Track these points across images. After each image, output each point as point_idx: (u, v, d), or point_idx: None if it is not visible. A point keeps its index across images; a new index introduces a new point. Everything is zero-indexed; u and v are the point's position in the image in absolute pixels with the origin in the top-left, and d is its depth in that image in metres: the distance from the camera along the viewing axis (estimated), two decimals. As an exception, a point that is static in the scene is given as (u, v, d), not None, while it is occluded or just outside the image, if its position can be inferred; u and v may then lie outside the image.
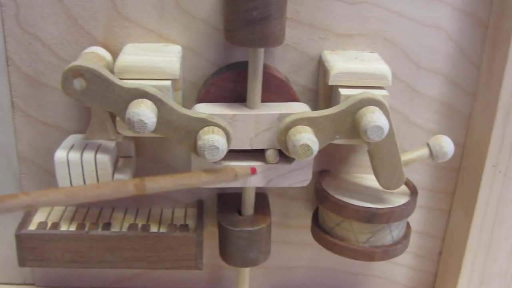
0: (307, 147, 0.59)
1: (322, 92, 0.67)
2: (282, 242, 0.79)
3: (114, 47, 0.66)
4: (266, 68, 0.64)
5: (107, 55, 0.65)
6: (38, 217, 0.70)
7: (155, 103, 0.59)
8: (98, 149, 0.64)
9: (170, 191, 0.62)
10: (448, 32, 0.69)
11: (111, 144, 0.66)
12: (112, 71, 0.63)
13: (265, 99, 0.65)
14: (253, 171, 0.64)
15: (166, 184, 0.59)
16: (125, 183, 0.57)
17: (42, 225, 0.68)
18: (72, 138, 0.67)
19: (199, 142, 0.59)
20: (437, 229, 0.80)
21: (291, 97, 0.65)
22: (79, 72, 0.57)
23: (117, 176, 0.64)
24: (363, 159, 0.74)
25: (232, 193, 0.73)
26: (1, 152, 0.71)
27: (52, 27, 0.65)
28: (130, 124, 0.56)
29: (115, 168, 0.66)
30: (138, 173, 0.72)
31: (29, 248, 0.66)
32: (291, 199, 0.76)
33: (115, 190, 0.56)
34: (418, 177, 0.76)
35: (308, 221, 0.76)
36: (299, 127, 0.61)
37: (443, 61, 0.70)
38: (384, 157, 0.64)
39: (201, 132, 0.60)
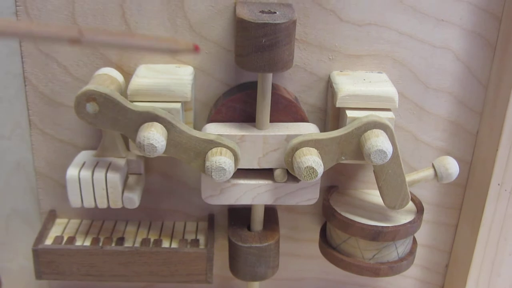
0: (311, 170, 0.60)
1: (331, 112, 0.68)
2: (291, 254, 0.80)
3: (128, 67, 0.68)
4: (275, 89, 0.66)
5: (119, 77, 0.66)
6: (55, 231, 0.73)
7: (165, 126, 0.61)
8: (108, 167, 0.66)
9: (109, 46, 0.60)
10: (457, 52, 0.70)
11: (121, 162, 0.67)
12: (123, 93, 0.65)
13: (274, 119, 0.66)
14: (197, 48, 0.57)
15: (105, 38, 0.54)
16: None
17: (58, 239, 0.71)
18: (83, 155, 0.69)
19: (207, 164, 0.60)
20: (444, 243, 0.81)
21: (299, 117, 0.67)
22: (92, 96, 0.59)
23: (127, 194, 0.66)
24: (371, 175, 0.75)
25: (242, 208, 0.75)
26: (19, 168, 0.73)
27: (68, 48, 0.67)
28: (141, 147, 0.58)
29: (125, 186, 0.68)
30: (148, 189, 0.74)
31: (46, 262, 0.69)
32: (300, 214, 0.78)
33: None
34: (426, 192, 0.77)
35: (316, 235, 0.77)
36: (305, 149, 0.62)
37: (451, 81, 0.71)
38: (389, 178, 0.65)
39: (209, 153, 0.62)
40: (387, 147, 0.60)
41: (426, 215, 0.78)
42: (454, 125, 0.73)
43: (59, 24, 0.53)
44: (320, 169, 0.60)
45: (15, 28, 0.51)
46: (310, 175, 0.60)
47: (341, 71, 0.69)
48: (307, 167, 0.60)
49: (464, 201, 0.78)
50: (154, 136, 0.58)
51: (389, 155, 0.60)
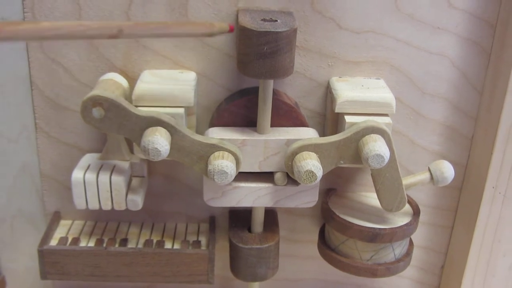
0: (311, 173, 0.62)
1: (330, 117, 0.70)
2: (290, 255, 0.82)
3: (132, 72, 0.70)
4: (276, 95, 0.68)
5: (124, 82, 0.68)
6: (59, 232, 0.75)
7: (169, 130, 0.62)
8: (113, 170, 0.67)
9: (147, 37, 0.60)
10: (452, 59, 0.71)
11: (125, 165, 0.69)
12: (128, 97, 0.67)
13: (275, 123, 0.68)
14: (232, 28, 0.61)
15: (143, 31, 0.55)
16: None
17: (63, 240, 0.72)
18: (88, 158, 0.70)
19: (209, 167, 0.62)
20: (439, 244, 0.83)
21: (299, 122, 0.69)
22: (98, 101, 0.61)
23: (130, 196, 0.68)
24: (369, 178, 0.76)
25: (243, 210, 0.76)
26: (25, 170, 0.75)
27: (74, 54, 0.69)
28: (145, 151, 0.60)
29: (129, 188, 0.69)
30: (151, 192, 0.76)
31: (51, 262, 0.70)
32: (299, 216, 0.79)
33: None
34: (422, 195, 0.79)
35: (315, 236, 0.79)
36: (305, 153, 0.64)
37: (447, 87, 0.73)
38: (386, 182, 0.67)
39: (211, 157, 0.63)
40: (385, 151, 0.62)
41: (422, 217, 0.79)
42: (449, 129, 0.75)
43: (100, 22, 0.53)
44: (319, 173, 0.62)
45: (58, 28, 0.49)
46: (309, 178, 0.62)
47: (340, 77, 0.71)
48: (306, 171, 0.62)
49: (460, 203, 0.80)
50: (158, 141, 0.60)
51: (386, 159, 0.62)
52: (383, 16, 0.68)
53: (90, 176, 0.66)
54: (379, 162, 0.62)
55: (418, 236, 0.81)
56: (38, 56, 0.69)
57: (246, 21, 0.61)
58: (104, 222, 0.77)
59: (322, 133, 0.73)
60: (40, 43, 0.68)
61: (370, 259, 0.72)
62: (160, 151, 0.60)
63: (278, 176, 0.67)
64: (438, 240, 0.83)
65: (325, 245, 0.75)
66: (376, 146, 0.62)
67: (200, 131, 0.70)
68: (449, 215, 0.81)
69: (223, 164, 0.62)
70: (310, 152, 0.64)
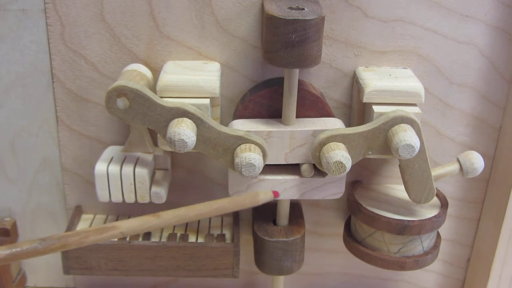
0: (340, 164, 0.60)
1: (356, 108, 0.69)
2: (315, 249, 0.81)
3: (155, 64, 0.68)
4: (302, 85, 0.66)
5: (148, 73, 0.67)
6: (81, 226, 0.74)
7: (194, 122, 0.61)
8: (136, 162, 0.66)
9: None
10: (481, 48, 0.70)
11: (149, 157, 0.68)
12: (152, 88, 0.66)
13: (301, 114, 0.67)
14: (276, 194, 0.63)
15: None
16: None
17: (86, 234, 0.71)
18: (111, 150, 0.70)
19: (237, 160, 0.61)
20: (466, 237, 0.82)
21: (326, 113, 0.67)
22: (123, 92, 0.60)
23: (154, 189, 0.67)
24: (394, 170, 0.75)
25: (267, 203, 0.74)
26: (46, 164, 0.74)
27: (96, 45, 0.68)
28: (171, 143, 0.59)
29: (152, 181, 0.68)
30: (175, 185, 0.75)
31: (74, 257, 0.69)
32: (324, 208, 0.78)
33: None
34: (449, 187, 0.78)
35: (340, 229, 0.78)
36: (333, 144, 0.63)
37: (475, 76, 0.71)
38: (415, 173, 0.66)
39: (238, 149, 0.62)
40: (415, 141, 0.60)
41: (448, 210, 0.78)
42: (477, 120, 0.74)
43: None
44: (348, 163, 0.61)
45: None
46: (338, 169, 0.61)
47: (366, 67, 0.70)
48: (336, 161, 0.60)
49: (487, 195, 0.78)
50: (185, 132, 0.59)
51: (417, 149, 0.61)
52: (410, 4, 0.67)
53: (114, 168, 0.66)
54: (410, 152, 0.61)
55: (443, 229, 0.80)
56: (59, 48, 0.68)
57: (273, 9, 0.60)
58: (126, 216, 0.76)
59: (348, 124, 0.72)
60: (62, 33, 0.67)
61: (398, 252, 0.70)
62: (186, 142, 0.59)
63: (304, 167, 0.66)
64: (464, 232, 0.82)
65: (351, 238, 0.74)
66: (407, 136, 0.61)
67: (224, 123, 0.69)
68: (476, 207, 0.80)
69: (250, 156, 0.60)
70: (338, 143, 0.63)
